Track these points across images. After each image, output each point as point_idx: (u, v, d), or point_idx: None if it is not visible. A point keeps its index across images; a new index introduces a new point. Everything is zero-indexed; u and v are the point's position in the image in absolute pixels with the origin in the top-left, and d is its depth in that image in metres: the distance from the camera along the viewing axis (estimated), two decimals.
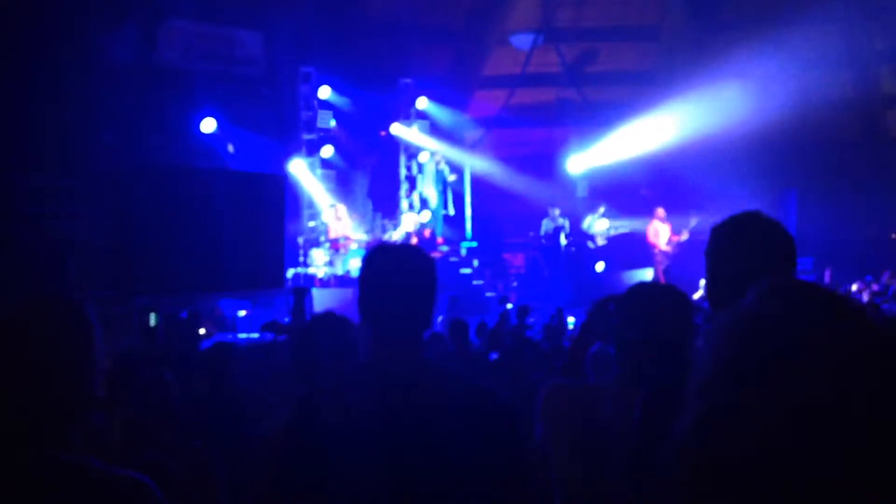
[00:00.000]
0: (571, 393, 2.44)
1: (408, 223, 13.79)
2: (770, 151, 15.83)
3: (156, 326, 7.75)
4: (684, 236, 14.73)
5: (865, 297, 11.58)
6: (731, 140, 15.13)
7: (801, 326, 0.88)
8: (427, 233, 13.85)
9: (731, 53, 14.28)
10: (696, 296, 9.56)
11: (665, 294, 2.34)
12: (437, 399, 1.86)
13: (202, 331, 8.63)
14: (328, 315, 2.97)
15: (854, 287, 12.95)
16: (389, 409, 1.83)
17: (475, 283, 14.86)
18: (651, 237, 14.94)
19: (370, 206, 15.85)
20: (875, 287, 12.97)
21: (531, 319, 9.47)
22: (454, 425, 1.83)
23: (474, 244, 16.05)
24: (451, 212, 15.66)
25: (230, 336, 9.36)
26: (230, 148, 12.91)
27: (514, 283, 15.85)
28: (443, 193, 15.38)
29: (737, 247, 1.78)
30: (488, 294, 14.58)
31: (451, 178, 15.57)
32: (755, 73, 14.31)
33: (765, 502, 0.83)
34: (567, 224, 15.66)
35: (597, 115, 17.02)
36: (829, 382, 0.83)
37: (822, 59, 14.46)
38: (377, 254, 2.02)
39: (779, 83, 14.39)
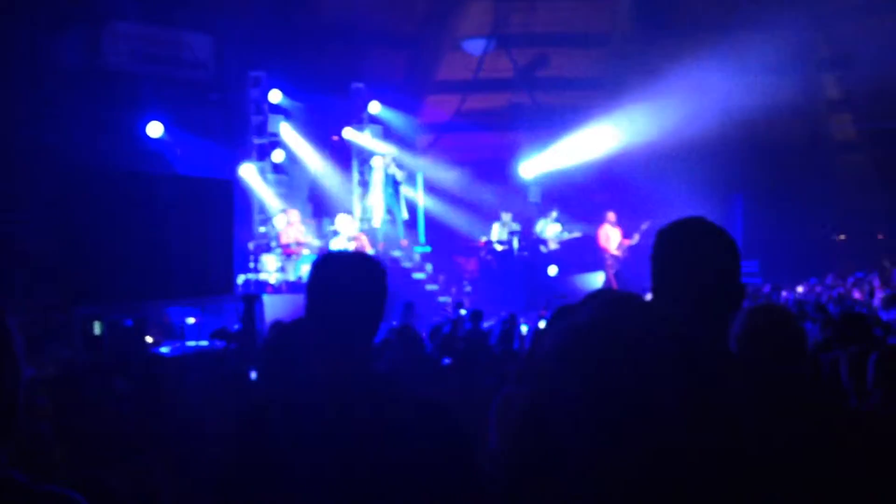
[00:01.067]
0: (521, 401, 2.43)
1: (348, 229, 13.62)
2: (717, 156, 16.12)
3: (100, 335, 7.57)
4: (635, 240, 14.90)
5: (811, 299, 11.82)
6: (680, 145, 15.37)
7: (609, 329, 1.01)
8: (362, 240, 13.61)
9: (679, 60, 14.51)
10: (648, 297, 9.65)
11: (621, 300, 2.33)
12: (384, 413, 1.83)
13: (149, 339, 8.45)
14: (277, 324, 2.92)
15: (800, 289, 13.22)
16: (336, 423, 1.79)
17: (428, 288, 14.83)
18: (602, 241, 15.08)
19: (312, 211, 15.72)
20: (819, 289, 13.25)
21: (487, 324, 9.46)
22: (402, 440, 1.80)
23: (427, 249, 16.02)
24: (406, 216, 15.61)
25: (178, 344, 9.19)
26: (177, 153, 12.70)
27: (468, 288, 15.86)
28: (394, 197, 15.30)
29: (680, 251, 1.78)
30: (441, 299, 14.56)
31: (406, 184, 15.49)
32: (702, 80, 14.55)
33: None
34: (518, 228, 15.74)
35: (548, 121, 17.16)
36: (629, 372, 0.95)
37: (768, 66, 14.77)
38: (325, 261, 1.98)
39: (725, 89, 14.66)
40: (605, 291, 2.54)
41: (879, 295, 10.81)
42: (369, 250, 13.09)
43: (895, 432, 2.77)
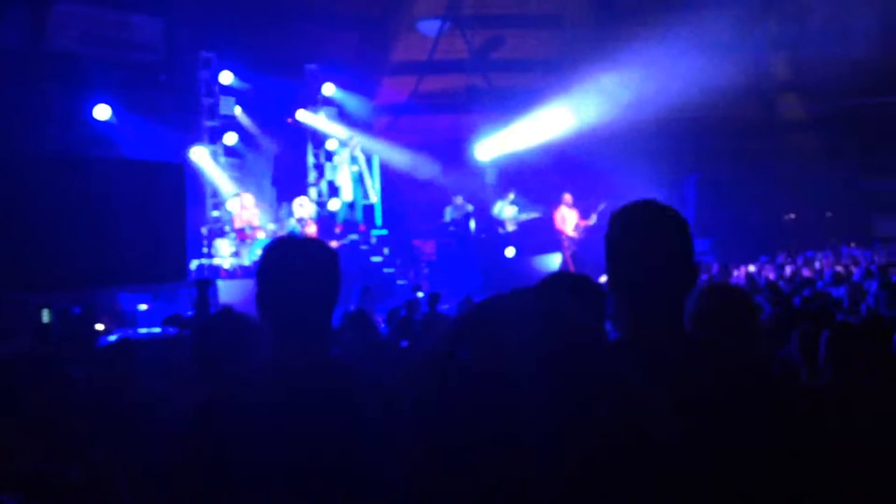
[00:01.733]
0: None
1: (300, 212, 13.48)
2: (671, 137, 16.30)
3: (49, 323, 7.39)
4: (592, 221, 14.99)
5: (763, 277, 12.02)
6: (634, 126, 15.49)
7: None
8: (310, 225, 13.48)
9: (632, 41, 14.60)
10: (603, 279, 9.75)
11: (578, 284, 2.33)
12: (342, 398, 1.80)
13: (100, 326, 8.29)
14: (227, 311, 2.87)
15: (752, 268, 13.44)
16: (292, 410, 1.76)
17: (386, 271, 14.77)
18: (558, 223, 15.16)
19: (276, 195, 15.57)
20: (770, 268, 13.48)
21: (445, 306, 9.44)
22: (358, 424, 1.77)
23: (384, 232, 15.95)
24: (372, 199, 15.52)
25: (130, 331, 9.03)
26: (127, 136, 12.44)
27: (426, 270, 15.84)
28: (359, 181, 15.20)
29: (633, 233, 1.79)
30: (399, 282, 14.52)
31: (364, 166, 15.40)
32: (655, 61, 14.66)
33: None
34: (472, 210, 15.75)
35: (504, 102, 17.16)
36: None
37: (719, 46, 14.91)
38: (276, 247, 1.95)
39: (678, 70, 14.77)
40: (563, 274, 2.54)
41: (829, 273, 11.03)
42: (314, 234, 12.97)
43: (845, 409, 2.83)
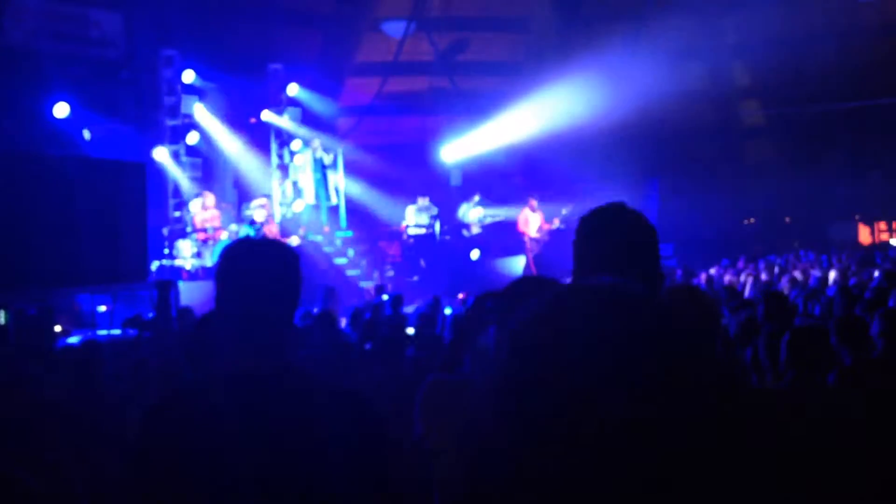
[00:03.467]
0: (451, 388, 2.40)
1: (259, 213, 13.35)
2: (634, 141, 16.47)
3: (5, 324, 7.23)
4: (556, 224, 15.08)
5: (724, 280, 12.19)
6: (598, 131, 15.63)
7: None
8: (273, 229, 13.36)
9: (595, 46, 14.71)
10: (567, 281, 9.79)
11: (544, 288, 2.33)
12: (300, 405, 1.76)
13: (58, 328, 8.13)
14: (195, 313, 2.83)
15: (712, 271, 13.61)
16: (246, 417, 1.72)
17: (350, 273, 14.71)
18: (521, 225, 15.23)
19: (237, 196, 15.42)
20: (731, 271, 13.67)
21: (409, 309, 9.42)
22: (319, 432, 1.74)
23: (349, 234, 15.89)
24: (335, 201, 15.43)
25: (89, 333, 8.87)
26: (86, 134, 12.21)
27: (391, 272, 15.80)
28: (322, 182, 15.11)
29: (601, 237, 1.80)
30: (363, 284, 14.47)
31: (328, 167, 15.31)
32: (617, 66, 14.80)
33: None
34: (436, 212, 15.75)
35: (469, 105, 17.20)
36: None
37: (679, 53, 15.11)
38: (235, 248, 1.90)
39: (639, 75, 14.93)
40: (529, 278, 2.55)
41: (788, 277, 11.21)
42: (275, 236, 12.85)
43: (802, 411, 2.87)
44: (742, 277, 12.49)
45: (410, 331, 6.59)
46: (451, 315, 6.59)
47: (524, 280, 2.44)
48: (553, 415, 0.89)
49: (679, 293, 2.45)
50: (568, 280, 1.92)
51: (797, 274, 11.58)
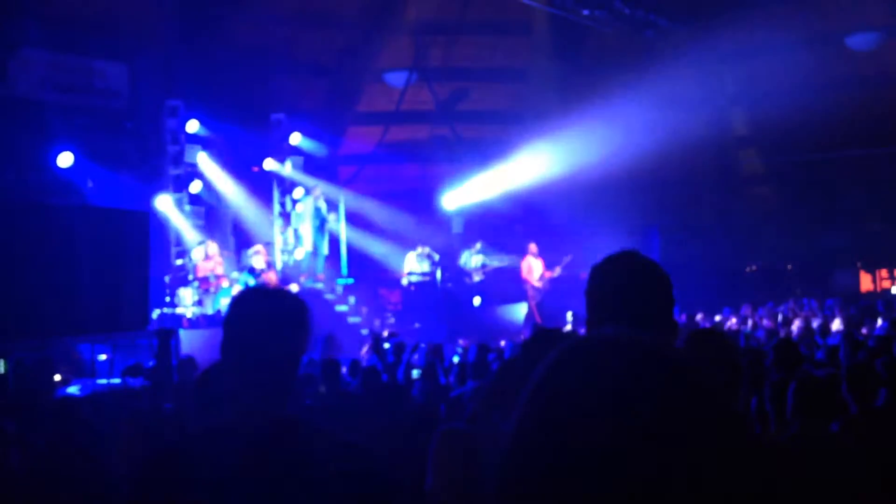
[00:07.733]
0: (464, 439, 2.36)
1: (256, 260, 13.32)
2: (634, 189, 16.53)
3: (4, 373, 7.18)
4: (557, 272, 15.08)
5: (727, 328, 12.14)
6: (598, 178, 15.69)
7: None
8: (272, 276, 13.31)
9: (595, 95, 14.86)
10: (567, 328, 9.81)
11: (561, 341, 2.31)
12: (301, 459, 1.74)
13: (57, 377, 8.07)
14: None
15: (717, 318, 13.56)
16: (248, 472, 1.69)
17: (351, 320, 14.66)
18: (524, 273, 15.22)
19: (235, 244, 15.43)
20: (735, 319, 13.61)
21: (414, 357, 9.36)
22: (320, 487, 1.71)
23: (350, 281, 15.87)
24: (326, 251, 15.43)
25: (89, 381, 8.80)
26: (89, 184, 12.28)
27: (392, 320, 15.75)
28: (320, 230, 15.13)
29: (616, 286, 1.79)
30: (364, 331, 14.40)
31: (331, 216, 15.37)
32: (617, 115, 14.91)
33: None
34: (437, 258, 15.76)
35: (470, 153, 17.33)
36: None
37: (679, 102, 15.24)
38: (244, 297, 1.90)
39: (639, 124, 15.05)
40: (548, 333, 2.52)
41: (791, 325, 11.17)
42: (274, 283, 12.80)
43: (804, 465, 2.82)
44: (749, 324, 12.46)
45: (416, 373, 6.54)
46: (471, 360, 6.51)
47: (546, 331, 2.41)
48: (576, 472, 0.88)
49: (702, 339, 2.44)
50: (568, 326, 1.91)
51: (799, 322, 11.53)
